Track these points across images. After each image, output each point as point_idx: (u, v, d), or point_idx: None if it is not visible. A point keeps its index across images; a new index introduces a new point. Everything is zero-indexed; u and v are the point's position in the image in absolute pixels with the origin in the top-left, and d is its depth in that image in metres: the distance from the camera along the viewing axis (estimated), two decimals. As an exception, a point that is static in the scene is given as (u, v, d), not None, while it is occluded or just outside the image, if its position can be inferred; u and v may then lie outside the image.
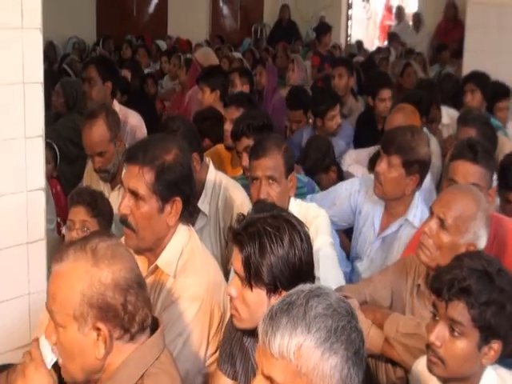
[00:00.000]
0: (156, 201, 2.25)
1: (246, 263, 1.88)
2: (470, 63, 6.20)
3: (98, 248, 1.68)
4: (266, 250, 1.86)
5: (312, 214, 2.93)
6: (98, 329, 1.66)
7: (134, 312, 1.68)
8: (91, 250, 1.68)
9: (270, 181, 2.85)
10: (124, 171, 2.34)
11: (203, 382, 2.31)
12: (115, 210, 2.81)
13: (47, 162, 4.12)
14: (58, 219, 3.78)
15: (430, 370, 1.97)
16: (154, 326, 1.79)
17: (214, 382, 2.23)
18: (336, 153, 4.64)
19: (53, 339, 1.71)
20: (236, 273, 1.94)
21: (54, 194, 3.99)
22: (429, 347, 1.94)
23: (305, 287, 1.48)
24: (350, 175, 4.29)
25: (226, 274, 2.67)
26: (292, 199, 2.97)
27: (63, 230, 2.91)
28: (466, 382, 1.95)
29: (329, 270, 2.79)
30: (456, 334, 1.90)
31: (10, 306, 2.57)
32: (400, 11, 12.60)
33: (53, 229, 3.51)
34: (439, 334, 1.91)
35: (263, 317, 1.46)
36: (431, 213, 2.46)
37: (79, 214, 2.82)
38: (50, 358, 1.74)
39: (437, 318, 1.95)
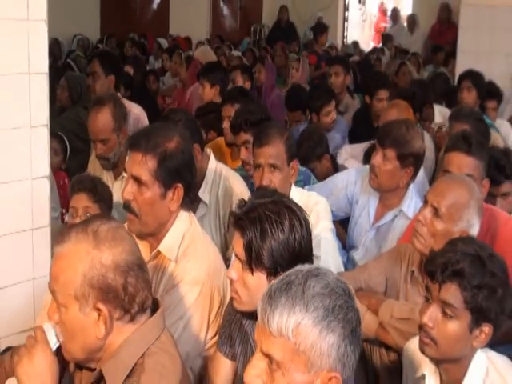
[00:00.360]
0: (158, 187, 2.25)
1: (248, 247, 1.88)
2: (464, 63, 6.20)
3: (99, 230, 1.68)
4: (267, 234, 1.86)
5: (313, 201, 2.95)
6: (99, 309, 1.66)
7: (134, 293, 1.68)
8: (93, 232, 1.67)
9: (272, 168, 2.88)
10: (127, 158, 2.33)
11: (203, 365, 2.31)
12: (119, 200, 2.80)
13: (56, 153, 4.13)
14: (63, 210, 3.77)
15: (422, 350, 1.96)
16: (155, 307, 1.79)
17: (213, 363, 2.22)
18: (332, 146, 4.65)
19: (55, 318, 1.71)
20: (237, 256, 1.94)
21: (61, 185, 3.97)
22: (421, 328, 1.94)
23: (303, 267, 1.48)
24: (344, 169, 4.28)
25: (226, 261, 2.66)
26: (293, 187, 2.98)
27: (66, 218, 2.90)
28: (457, 363, 1.95)
29: (329, 253, 2.81)
30: (448, 315, 1.90)
31: (16, 290, 2.56)
32: (395, 13, 12.59)
33: (57, 217, 3.50)
34: (432, 315, 1.91)
35: (262, 296, 1.45)
36: (425, 201, 2.46)
37: (81, 201, 2.82)
38: (53, 342, 1.74)
39: (430, 301, 1.95)
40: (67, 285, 1.65)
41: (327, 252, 2.79)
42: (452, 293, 1.88)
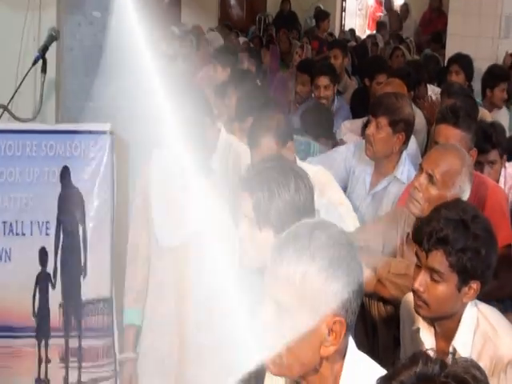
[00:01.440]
0: None
1: (256, 207, 1.86)
2: (452, 46, 6.15)
3: None
4: (274, 194, 1.85)
5: (320, 173, 2.88)
6: None
7: None
8: None
9: None
10: None
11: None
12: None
13: None
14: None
15: (417, 312, 1.99)
16: None
17: None
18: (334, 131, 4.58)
19: None
20: (246, 216, 1.92)
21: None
22: (414, 293, 1.96)
23: (309, 221, 1.46)
24: (344, 144, 4.23)
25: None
26: (299, 162, 2.92)
27: None
28: (451, 318, 1.96)
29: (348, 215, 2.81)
30: (436, 279, 1.90)
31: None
32: (389, 2, 12.45)
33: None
34: (422, 281, 1.93)
35: (271, 246, 1.44)
36: (420, 169, 2.44)
37: None
38: None
39: (419, 266, 1.95)
40: None
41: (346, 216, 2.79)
42: (438, 259, 1.88)
